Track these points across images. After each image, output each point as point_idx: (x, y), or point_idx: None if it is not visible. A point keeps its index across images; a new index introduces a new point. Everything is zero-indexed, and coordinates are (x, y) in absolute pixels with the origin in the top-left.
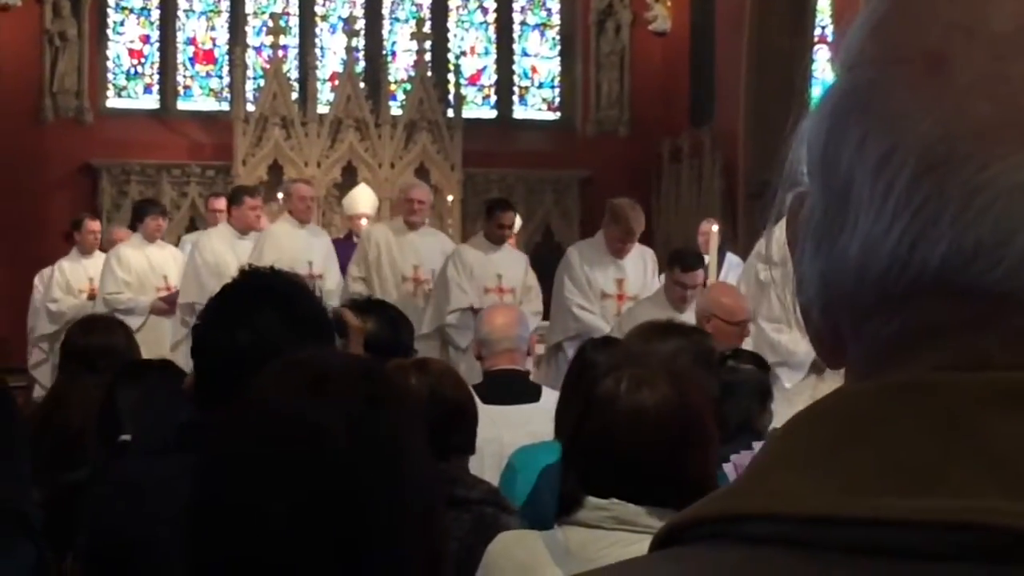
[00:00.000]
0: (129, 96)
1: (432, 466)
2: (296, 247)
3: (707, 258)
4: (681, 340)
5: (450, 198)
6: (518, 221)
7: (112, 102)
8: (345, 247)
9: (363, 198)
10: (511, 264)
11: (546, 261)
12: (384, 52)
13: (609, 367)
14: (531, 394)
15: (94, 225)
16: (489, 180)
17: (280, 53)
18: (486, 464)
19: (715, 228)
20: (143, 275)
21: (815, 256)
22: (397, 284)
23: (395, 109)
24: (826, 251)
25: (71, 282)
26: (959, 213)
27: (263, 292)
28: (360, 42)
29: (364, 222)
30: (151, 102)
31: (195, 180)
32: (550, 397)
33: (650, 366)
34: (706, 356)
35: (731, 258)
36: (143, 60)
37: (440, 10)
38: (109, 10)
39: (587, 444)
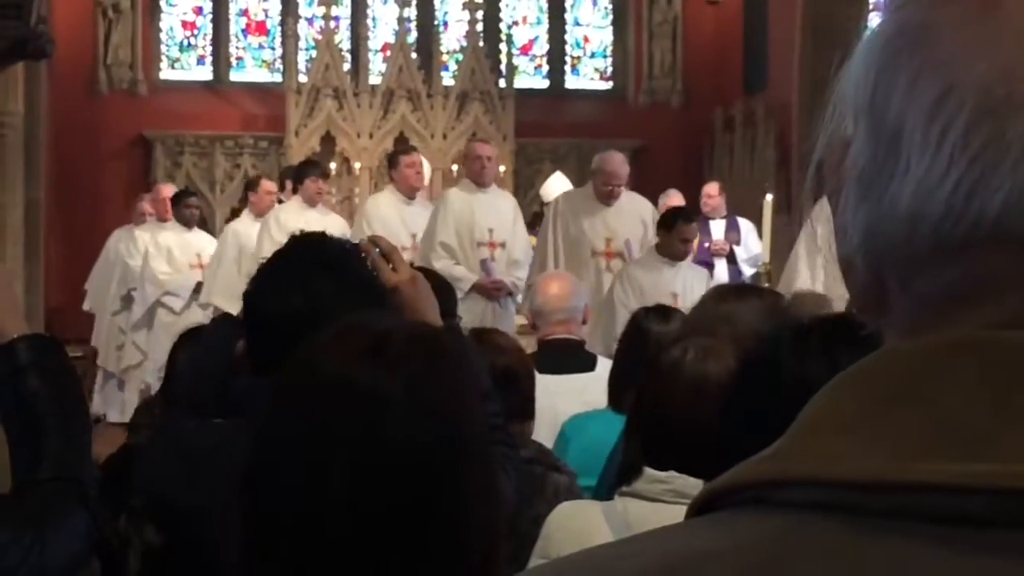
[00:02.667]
0: (182, 68)
1: (490, 428)
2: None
3: (743, 225)
4: (757, 300)
5: (502, 169)
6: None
7: (165, 74)
8: None
9: None
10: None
11: None
12: (436, 22)
13: (678, 334)
14: (586, 363)
15: (270, 185)
16: (541, 151)
17: (332, 24)
18: (541, 433)
19: (768, 198)
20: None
21: (859, 205)
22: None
23: (447, 79)
24: (873, 199)
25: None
26: (1021, 158)
27: (314, 257)
28: (412, 12)
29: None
30: (204, 74)
31: (248, 151)
32: (605, 366)
33: (720, 335)
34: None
35: (744, 223)
36: (196, 32)
37: None
38: None
39: (648, 414)
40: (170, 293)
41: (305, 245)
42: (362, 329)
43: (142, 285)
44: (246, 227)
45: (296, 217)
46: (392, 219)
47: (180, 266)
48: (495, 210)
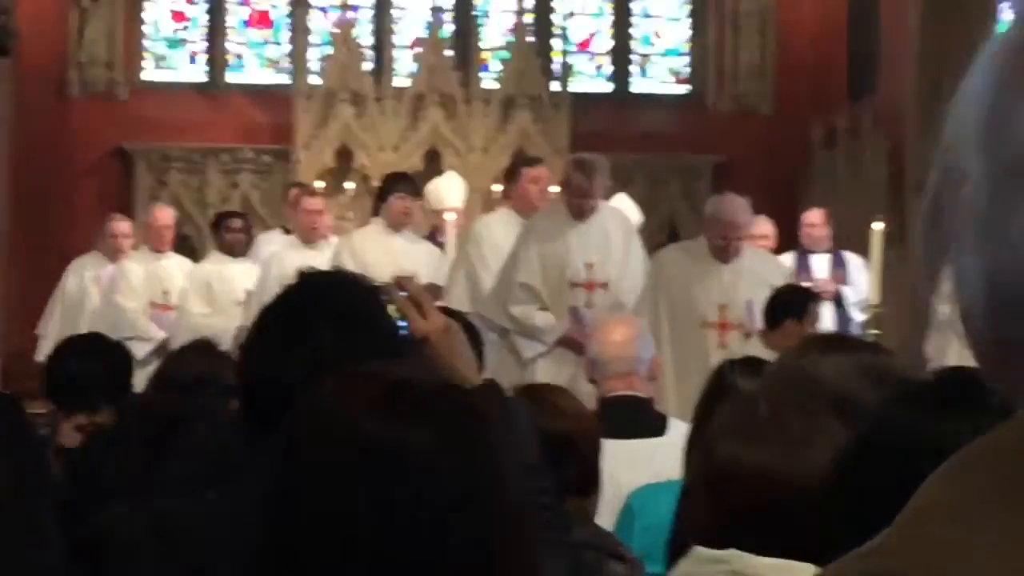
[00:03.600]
0: (170, 67)
1: (531, 499)
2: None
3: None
4: (846, 357)
5: (554, 189)
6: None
7: (149, 74)
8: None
9: (450, 189)
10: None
11: None
12: (475, 13)
13: (744, 399)
14: (655, 425)
15: (314, 203)
16: None
17: (350, 15)
18: (601, 509)
19: (878, 227)
20: (380, 273)
21: (980, 249)
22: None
23: (488, 82)
24: (994, 242)
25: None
26: None
27: (323, 303)
28: (447, 1)
29: (451, 218)
30: (196, 74)
31: (248, 167)
32: (679, 429)
33: (810, 398)
34: (880, 377)
35: (852, 259)
36: (187, 24)
37: None
38: None
39: (711, 481)
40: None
41: (311, 287)
42: (373, 378)
43: (175, 332)
44: (294, 253)
45: (375, 245)
46: (508, 245)
47: (223, 306)
48: (598, 240)
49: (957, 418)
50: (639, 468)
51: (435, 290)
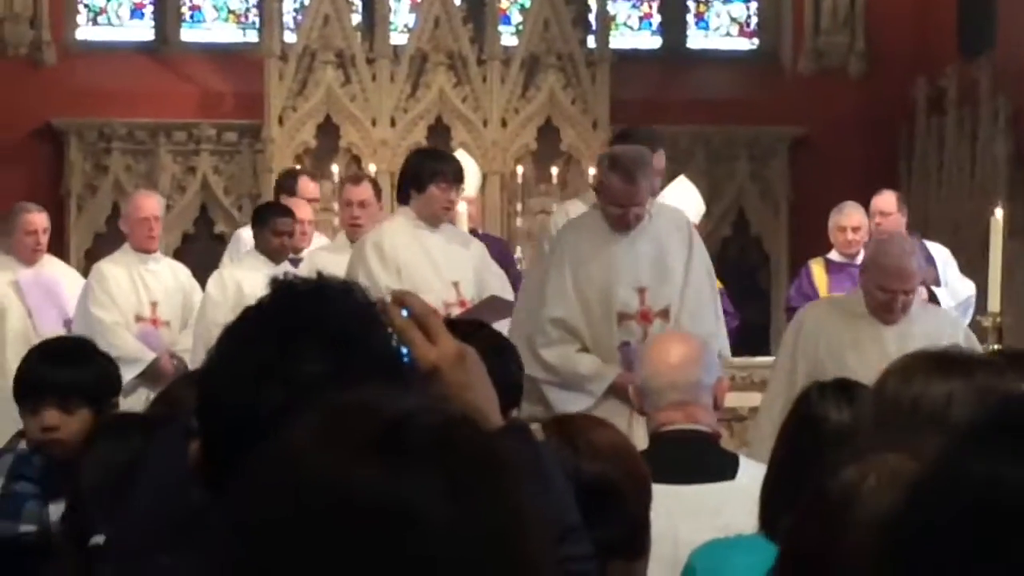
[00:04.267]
0: (109, 24)
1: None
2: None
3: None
4: (960, 380)
5: (592, 171)
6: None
7: (84, 33)
8: None
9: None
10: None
11: (742, 262)
12: None
13: (847, 438)
14: (721, 467)
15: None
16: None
17: None
18: (653, 570)
19: (999, 212)
20: (420, 279)
21: None
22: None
23: (507, 37)
24: None
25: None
26: None
27: (304, 322)
28: None
29: (463, 208)
30: (142, 32)
31: (208, 148)
32: (752, 471)
33: (916, 447)
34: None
35: (938, 250)
36: None
37: None
38: None
39: (804, 556)
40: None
41: (289, 300)
42: (366, 412)
43: (162, 351)
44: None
45: (411, 240)
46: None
47: None
48: (651, 255)
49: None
50: (702, 520)
51: (502, 306)
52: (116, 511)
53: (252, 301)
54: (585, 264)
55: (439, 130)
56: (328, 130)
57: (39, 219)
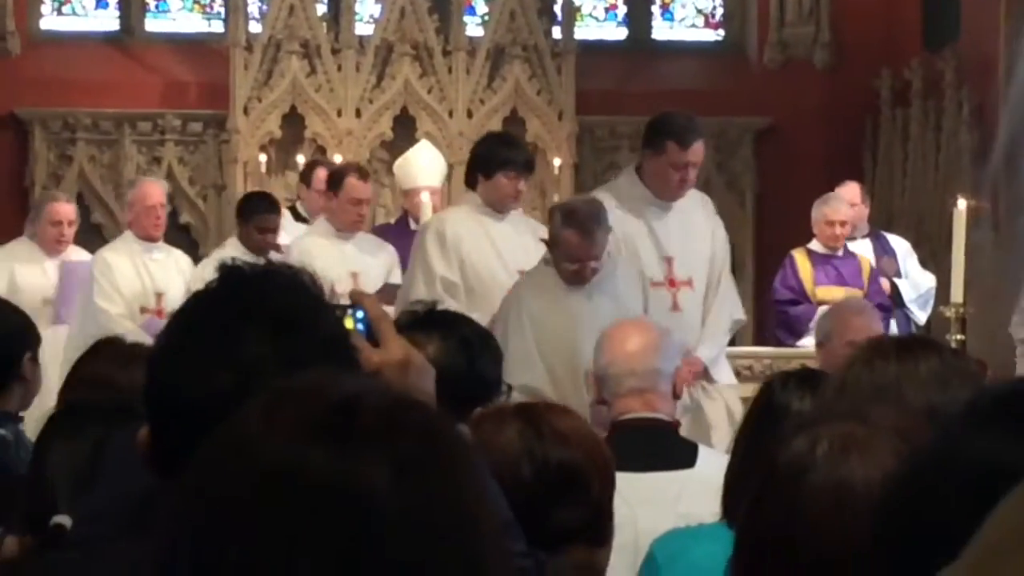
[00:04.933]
0: (74, 14)
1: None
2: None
3: (897, 245)
4: (920, 363)
5: (557, 162)
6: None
7: (49, 22)
8: (399, 235)
9: (425, 164)
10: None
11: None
12: None
13: (802, 420)
14: (680, 455)
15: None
16: (616, 134)
17: None
18: (613, 559)
19: (962, 204)
20: (483, 268)
21: None
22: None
23: (473, 28)
24: None
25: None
26: None
27: (253, 305)
28: None
29: (426, 198)
30: (107, 21)
31: (173, 138)
32: (711, 460)
33: (868, 417)
34: (963, 386)
35: (897, 242)
36: None
37: None
38: None
39: (763, 535)
40: None
41: (238, 285)
42: (313, 394)
43: None
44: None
45: (475, 227)
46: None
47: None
48: (610, 305)
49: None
50: (662, 508)
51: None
52: (79, 499)
53: None
54: (543, 323)
55: (404, 121)
56: (293, 120)
57: (65, 209)
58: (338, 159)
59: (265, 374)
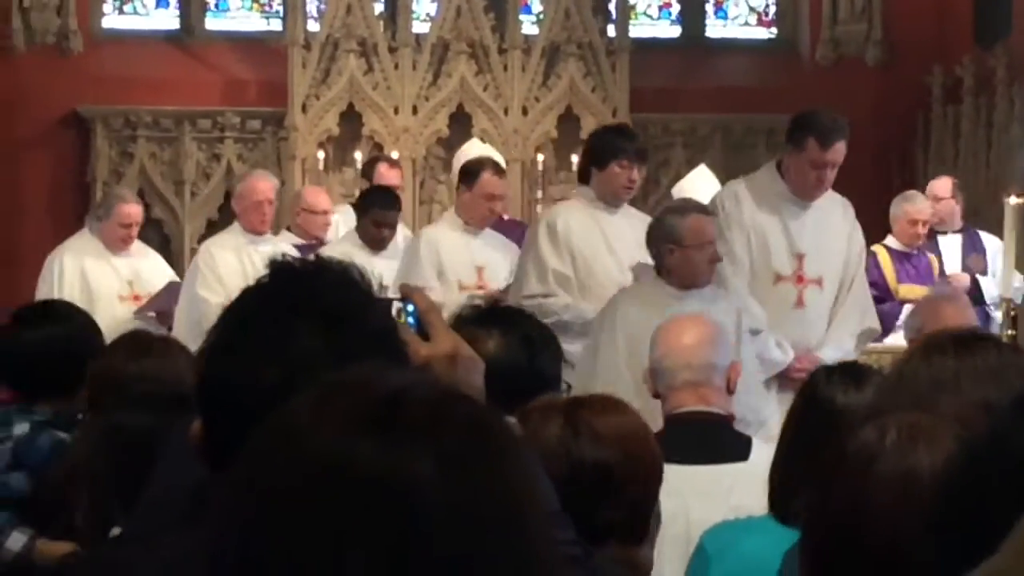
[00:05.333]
0: (135, 12)
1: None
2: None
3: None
4: (980, 359)
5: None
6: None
7: (110, 21)
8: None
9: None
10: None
11: None
12: None
13: (871, 407)
14: (733, 448)
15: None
16: (670, 130)
17: None
18: (665, 550)
19: (1014, 200)
20: (595, 263)
21: None
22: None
23: (528, 26)
24: None
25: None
26: None
27: (304, 302)
28: None
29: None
30: (167, 20)
31: (232, 135)
32: (765, 453)
33: (934, 408)
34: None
35: (990, 240)
36: None
37: None
38: None
39: (831, 526)
40: None
41: (288, 280)
42: (360, 388)
43: None
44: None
45: (588, 220)
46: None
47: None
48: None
49: None
50: (714, 501)
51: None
52: (132, 498)
53: None
54: (639, 340)
55: (460, 118)
56: (351, 118)
57: (135, 211)
58: (395, 156)
59: (315, 368)
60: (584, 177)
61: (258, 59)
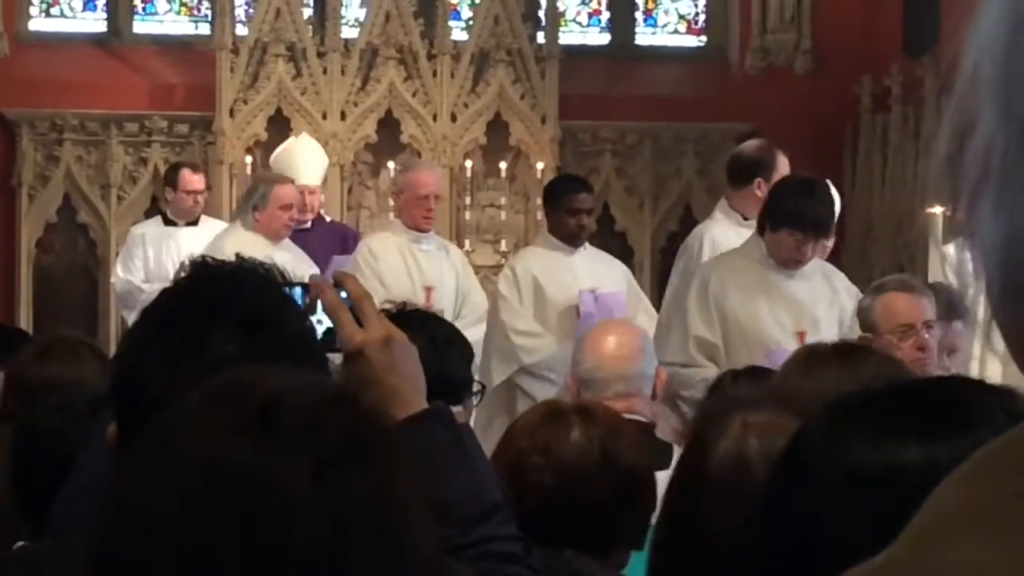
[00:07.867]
0: (62, 16)
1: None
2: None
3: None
4: (855, 369)
5: (540, 166)
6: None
7: (37, 24)
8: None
9: (304, 159)
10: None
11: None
12: None
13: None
14: (658, 456)
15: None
16: (599, 138)
17: None
18: None
19: (938, 210)
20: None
21: (995, 213)
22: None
23: (458, 32)
24: (1010, 205)
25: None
26: None
27: (218, 303)
28: None
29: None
30: (94, 23)
31: (160, 139)
32: None
33: (790, 406)
34: None
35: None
36: None
37: None
38: None
39: (675, 514)
40: None
41: (207, 283)
42: (241, 392)
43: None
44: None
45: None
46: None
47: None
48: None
49: (917, 442)
50: None
51: None
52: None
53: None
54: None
55: (389, 124)
56: (279, 123)
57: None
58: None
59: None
60: (760, 229)
61: (186, 63)
